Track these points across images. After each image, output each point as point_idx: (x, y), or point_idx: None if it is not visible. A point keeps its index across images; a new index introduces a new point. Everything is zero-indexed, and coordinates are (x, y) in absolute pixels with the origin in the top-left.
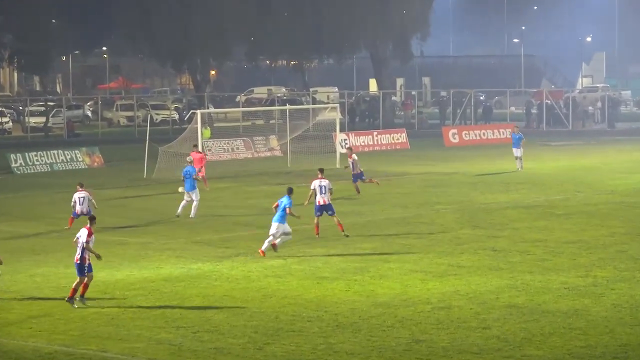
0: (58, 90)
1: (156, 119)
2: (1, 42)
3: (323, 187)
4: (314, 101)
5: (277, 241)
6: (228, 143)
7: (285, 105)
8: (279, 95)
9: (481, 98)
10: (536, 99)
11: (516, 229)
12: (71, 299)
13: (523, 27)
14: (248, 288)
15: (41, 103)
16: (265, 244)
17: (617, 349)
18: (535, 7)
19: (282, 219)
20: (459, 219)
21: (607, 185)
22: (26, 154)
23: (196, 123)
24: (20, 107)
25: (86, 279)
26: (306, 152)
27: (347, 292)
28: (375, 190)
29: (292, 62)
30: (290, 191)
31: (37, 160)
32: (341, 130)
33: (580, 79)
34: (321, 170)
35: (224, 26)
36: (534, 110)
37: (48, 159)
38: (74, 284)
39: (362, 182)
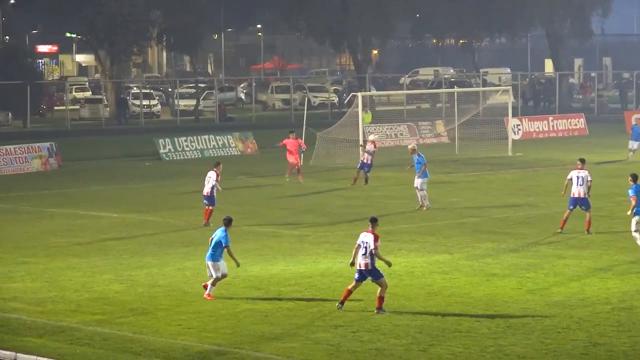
0: (209, 71)
1: (314, 102)
2: (149, 19)
3: (581, 178)
4: (485, 83)
5: None
6: (391, 128)
7: (453, 88)
8: (446, 76)
9: None
10: None
11: None
12: (380, 309)
13: None
14: (412, 285)
15: (191, 85)
16: None
17: None
18: None
19: None
20: None
21: None
22: (175, 139)
23: (357, 107)
24: (170, 89)
25: (380, 288)
26: (475, 138)
27: (519, 291)
28: (551, 181)
29: (460, 41)
30: (635, 178)
31: (186, 146)
32: (514, 115)
33: None
34: (582, 161)
35: (387, 1)
36: None
37: (198, 145)
38: (379, 292)
39: (363, 172)
